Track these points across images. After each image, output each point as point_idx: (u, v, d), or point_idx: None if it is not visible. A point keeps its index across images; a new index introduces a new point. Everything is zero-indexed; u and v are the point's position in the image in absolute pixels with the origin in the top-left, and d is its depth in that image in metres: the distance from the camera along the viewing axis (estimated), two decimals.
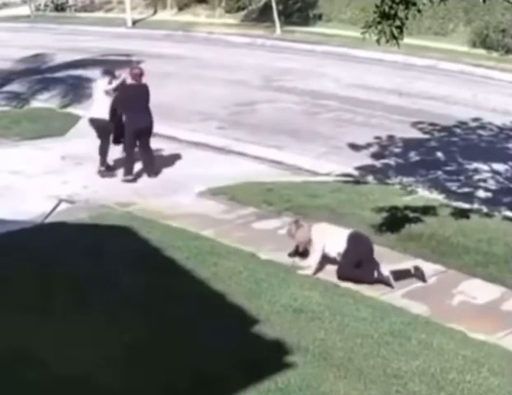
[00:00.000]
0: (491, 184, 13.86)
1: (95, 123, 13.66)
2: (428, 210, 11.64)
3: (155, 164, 13.83)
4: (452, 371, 7.48)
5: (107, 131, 13.55)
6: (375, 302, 9.19)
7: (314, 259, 9.95)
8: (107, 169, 13.73)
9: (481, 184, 13.86)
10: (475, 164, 14.78)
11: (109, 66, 14.67)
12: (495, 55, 25.46)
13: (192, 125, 17.20)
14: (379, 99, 19.53)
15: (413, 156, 15.38)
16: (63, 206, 12.32)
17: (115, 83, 13.48)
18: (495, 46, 25.80)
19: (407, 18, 9.45)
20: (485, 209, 12.44)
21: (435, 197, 12.99)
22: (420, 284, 9.72)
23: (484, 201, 12.99)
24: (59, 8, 38.26)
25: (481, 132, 16.85)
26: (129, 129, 13.33)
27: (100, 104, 13.54)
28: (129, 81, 13.50)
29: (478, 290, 9.60)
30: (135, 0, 36.04)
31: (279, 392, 6.93)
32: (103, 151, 13.65)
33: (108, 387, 6.90)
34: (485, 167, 14.60)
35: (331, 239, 9.95)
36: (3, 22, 34.45)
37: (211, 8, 34.94)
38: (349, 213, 11.67)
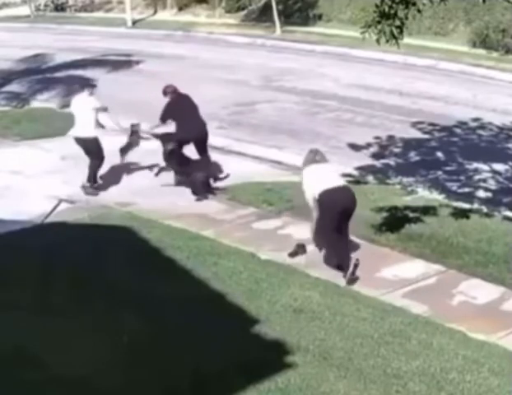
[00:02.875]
0: (491, 184, 13.85)
1: (81, 142, 12.87)
2: (428, 210, 11.63)
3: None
4: (452, 371, 7.49)
5: (95, 148, 12.83)
6: (375, 302, 9.19)
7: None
8: (91, 187, 12.90)
9: (481, 184, 13.84)
10: (475, 164, 14.75)
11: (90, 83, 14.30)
12: (495, 55, 25.40)
13: None
14: (379, 99, 19.51)
15: (413, 156, 15.36)
16: (63, 206, 12.32)
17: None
18: (495, 46, 25.74)
19: (406, 18, 9.44)
20: (485, 209, 12.43)
21: (435, 197, 12.99)
22: (420, 284, 9.73)
23: (484, 201, 12.98)
24: (59, 8, 38.18)
25: (481, 132, 16.82)
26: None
27: (85, 122, 12.79)
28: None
29: (478, 290, 9.61)
30: (135, 0, 36.01)
31: (279, 392, 6.93)
32: (92, 168, 12.91)
33: (107, 387, 6.90)
34: (485, 167, 14.57)
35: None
36: (3, 22, 34.37)
37: (211, 8, 34.87)
38: None
